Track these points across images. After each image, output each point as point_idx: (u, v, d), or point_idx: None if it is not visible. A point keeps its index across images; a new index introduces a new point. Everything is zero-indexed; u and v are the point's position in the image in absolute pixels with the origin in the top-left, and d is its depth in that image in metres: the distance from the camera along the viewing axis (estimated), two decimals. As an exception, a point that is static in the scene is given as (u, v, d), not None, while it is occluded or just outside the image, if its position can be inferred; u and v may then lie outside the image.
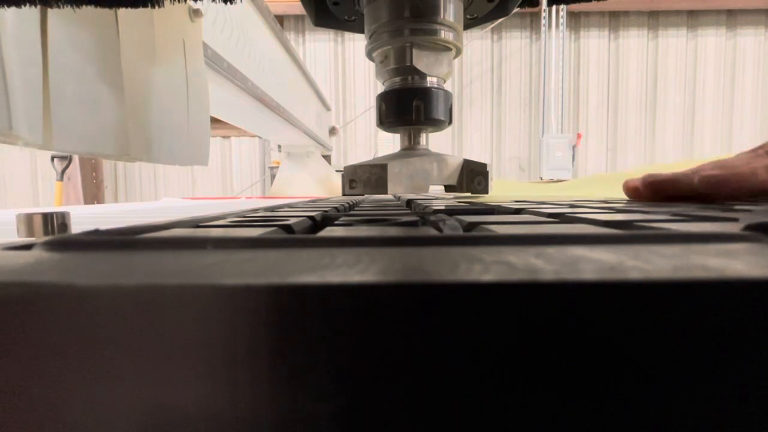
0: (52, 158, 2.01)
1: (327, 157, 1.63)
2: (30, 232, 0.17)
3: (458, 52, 0.40)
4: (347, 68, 2.79)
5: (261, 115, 0.90)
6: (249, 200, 1.01)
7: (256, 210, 0.26)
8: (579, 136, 2.61)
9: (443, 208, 0.24)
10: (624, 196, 0.36)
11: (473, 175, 0.42)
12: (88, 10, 0.32)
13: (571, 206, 0.24)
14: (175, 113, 0.53)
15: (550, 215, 0.18)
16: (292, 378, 0.06)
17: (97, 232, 0.12)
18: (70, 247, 0.10)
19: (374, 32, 0.38)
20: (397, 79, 0.39)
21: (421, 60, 0.37)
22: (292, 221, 0.16)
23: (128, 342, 0.06)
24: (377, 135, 2.57)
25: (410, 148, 0.41)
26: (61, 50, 0.37)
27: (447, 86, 0.41)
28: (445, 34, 0.37)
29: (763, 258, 0.08)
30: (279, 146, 1.62)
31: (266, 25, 0.84)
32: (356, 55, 2.77)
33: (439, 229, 0.15)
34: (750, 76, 2.73)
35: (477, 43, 2.73)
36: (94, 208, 0.60)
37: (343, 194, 0.41)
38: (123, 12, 0.43)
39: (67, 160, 2.01)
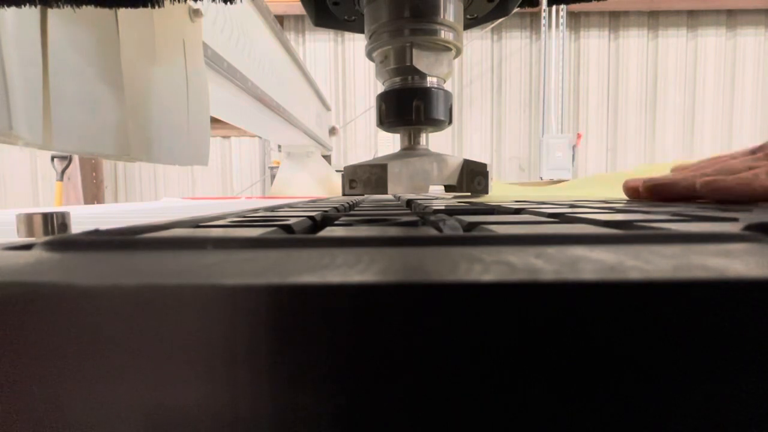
0: (52, 158, 2.01)
1: (327, 157, 1.63)
2: (30, 232, 0.17)
3: (458, 52, 0.40)
4: (347, 68, 2.79)
5: (261, 115, 0.90)
6: (249, 200, 1.01)
7: (256, 210, 0.26)
8: (579, 136, 2.61)
9: (443, 208, 0.24)
10: (624, 196, 0.36)
11: (473, 175, 0.42)
12: (88, 10, 0.32)
13: (571, 206, 0.24)
14: (175, 113, 0.53)
15: (550, 215, 0.18)
16: (292, 378, 0.06)
17: (97, 232, 0.12)
18: (70, 247, 0.10)
19: (374, 32, 0.38)
20: (397, 79, 0.39)
21: (421, 60, 0.37)
22: (292, 221, 0.16)
23: (128, 342, 0.06)
24: (377, 135, 2.57)
25: (410, 148, 0.41)
26: (61, 50, 0.37)
27: (447, 86, 0.41)
28: (445, 34, 0.37)
29: (763, 258, 0.08)
30: (279, 146, 1.62)
31: (266, 25, 0.84)
32: (356, 55, 2.77)
33: (439, 229, 0.15)
34: (750, 76, 2.73)
35: (477, 43, 2.73)
36: (94, 208, 0.60)
37: (343, 194, 0.41)
38: (123, 12, 0.43)
39: (67, 160, 2.01)
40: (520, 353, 0.06)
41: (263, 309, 0.06)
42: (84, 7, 0.31)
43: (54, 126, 0.36)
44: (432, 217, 0.17)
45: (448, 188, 0.42)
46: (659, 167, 0.44)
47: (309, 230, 0.18)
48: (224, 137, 2.74)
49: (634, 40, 2.75)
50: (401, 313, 0.06)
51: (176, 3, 0.33)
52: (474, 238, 0.10)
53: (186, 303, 0.06)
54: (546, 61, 2.66)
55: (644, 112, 2.78)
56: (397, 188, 0.39)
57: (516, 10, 0.42)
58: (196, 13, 0.55)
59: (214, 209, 0.46)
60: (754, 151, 0.32)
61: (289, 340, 0.06)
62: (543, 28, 2.64)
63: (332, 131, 1.64)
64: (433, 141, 0.50)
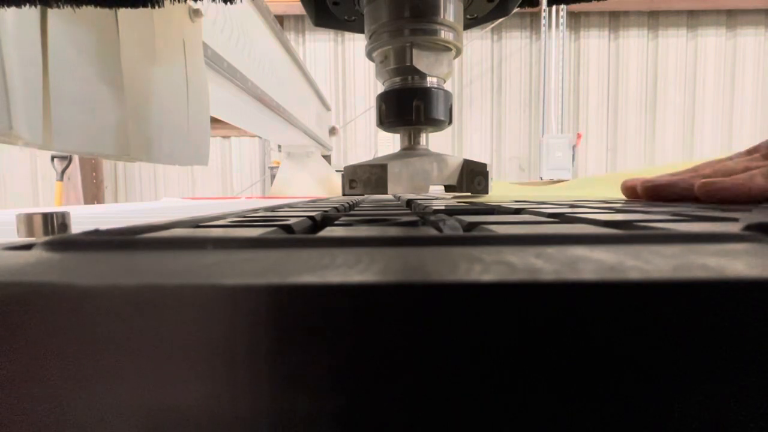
0: (52, 158, 2.01)
1: (327, 157, 1.63)
2: (30, 232, 0.17)
3: (458, 52, 0.40)
4: (347, 68, 2.79)
5: (261, 115, 0.90)
6: (249, 200, 1.01)
7: (256, 210, 0.26)
8: (579, 136, 2.61)
9: (443, 208, 0.24)
10: (624, 196, 0.36)
11: (473, 175, 0.42)
12: (88, 10, 0.32)
13: (571, 206, 0.24)
14: (175, 113, 0.53)
15: (550, 215, 0.18)
16: (292, 378, 0.06)
17: (97, 232, 0.12)
18: (70, 247, 0.10)
19: (374, 32, 0.38)
20: (397, 79, 0.39)
21: (421, 60, 0.37)
22: (292, 221, 0.16)
23: (128, 342, 0.06)
24: (377, 135, 2.57)
25: (410, 148, 0.41)
26: (61, 50, 0.37)
27: (447, 86, 0.41)
28: (445, 34, 0.37)
29: (763, 258, 0.08)
30: (279, 146, 1.62)
31: (266, 25, 0.84)
32: (356, 55, 2.77)
33: (439, 229, 0.15)
34: (750, 76, 2.73)
35: (477, 43, 2.73)
36: (94, 208, 0.60)
37: (343, 194, 0.41)
38: (123, 12, 0.43)
39: (67, 160, 2.01)
40: (520, 353, 0.06)
41: (263, 309, 0.06)
42: (84, 7, 0.31)
43: (54, 126, 0.36)
44: (432, 217, 0.17)
45: (448, 188, 0.42)
46: (659, 170, 0.44)
47: (309, 230, 0.18)
48: (224, 137, 2.74)
49: (634, 40, 2.75)
50: (401, 313, 0.06)
51: (176, 3, 0.33)
52: (474, 238, 0.10)
53: (186, 303, 0.06)
54: (546, 61, 2.66)
55: (644, 112, 2.78)
56: (397, 188, 0.39)
57: (516, 10, 0.42)
58: (196, 13, 0.55)
59: (214, 209, 0.46)
60: (750, 152, 0.32)
61: (289, 340, 0.06)
62: (543, 28, 2.64)
63: (332, 131, 1.64)
64: (433, 141, 0.50)
